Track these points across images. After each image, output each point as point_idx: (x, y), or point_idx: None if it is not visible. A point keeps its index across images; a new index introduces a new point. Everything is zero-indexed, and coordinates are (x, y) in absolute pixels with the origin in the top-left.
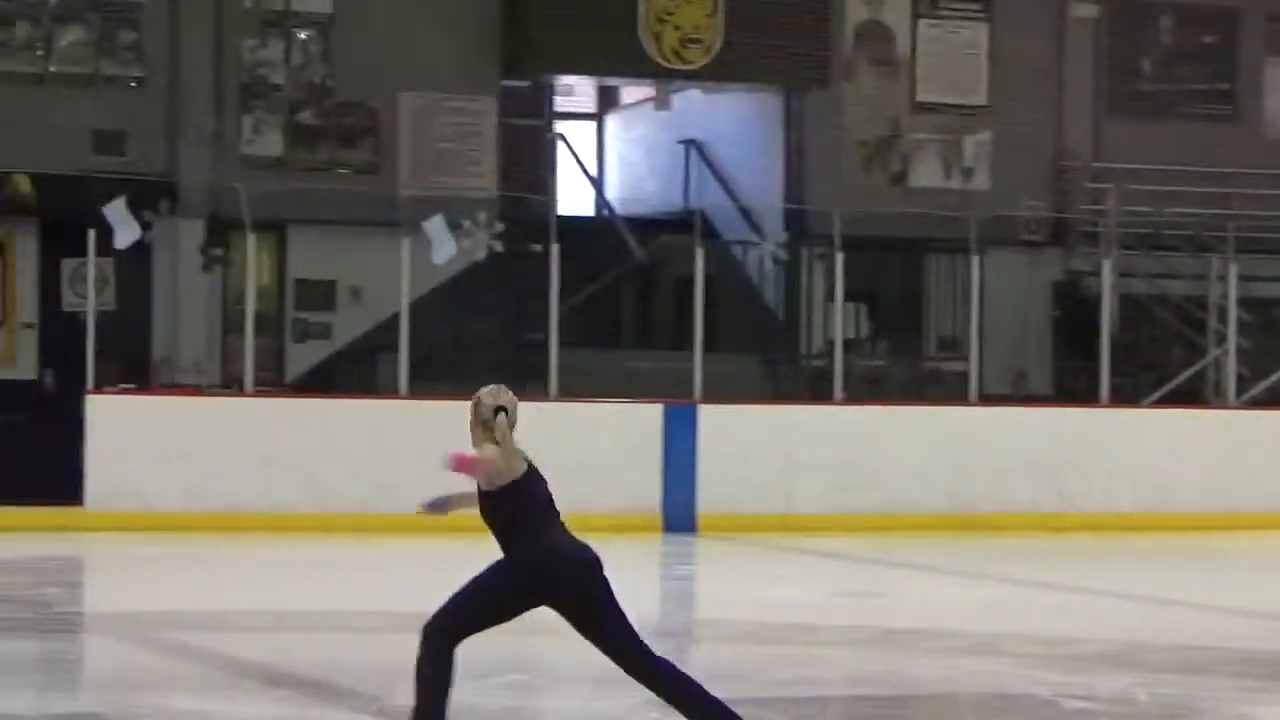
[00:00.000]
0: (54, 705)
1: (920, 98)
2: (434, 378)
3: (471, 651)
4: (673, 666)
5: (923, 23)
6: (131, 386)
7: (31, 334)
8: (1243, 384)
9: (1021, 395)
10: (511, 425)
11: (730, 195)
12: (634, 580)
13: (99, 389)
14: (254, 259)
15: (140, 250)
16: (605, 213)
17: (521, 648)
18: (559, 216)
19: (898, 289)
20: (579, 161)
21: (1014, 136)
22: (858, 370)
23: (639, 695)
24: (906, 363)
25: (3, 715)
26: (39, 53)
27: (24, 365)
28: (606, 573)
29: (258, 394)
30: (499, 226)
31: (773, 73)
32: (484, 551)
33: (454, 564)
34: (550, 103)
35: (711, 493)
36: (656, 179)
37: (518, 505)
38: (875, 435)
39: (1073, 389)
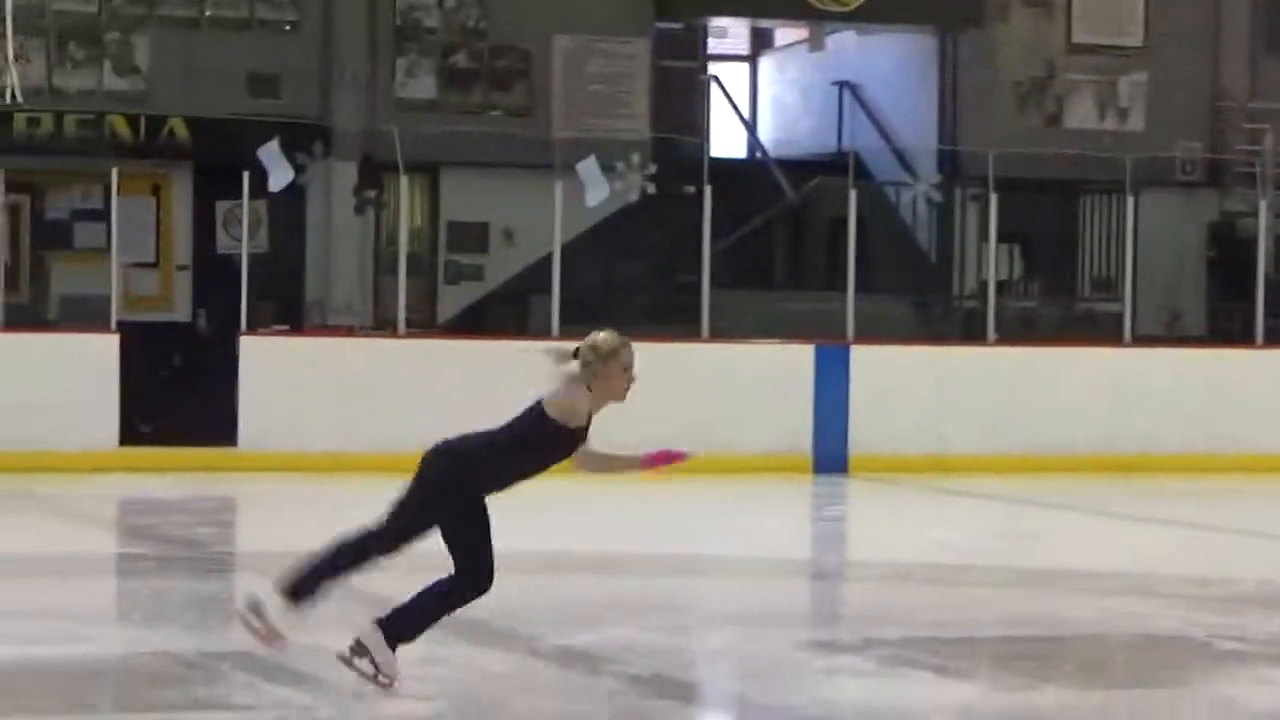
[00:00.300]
0: (207, 644)
1: (1075, 38)
2: (586, 319)
3: (625, 591)
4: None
5: None
6: (284, 328)
7: (186, 276)
8: None
9: (1175, 336)
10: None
11: (884, 136)
12: (785, 521)
13: (252, 330)
14: (407, 201)
15: (294, 193)
16: (758, 154)
17: (673, 588)
18: (712, 158)
19: (1051, 230)
20: (732, 103)
21: (1170, 77)
22: (1011, 311)
23: (790, 635)
24: (1060, 304)
25: (157, 653)
26: None
27: (179, 307)
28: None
29: (410, 335)
30: (652, 168)
31: (927, 14)
32: (626, 491)
33: (602, 504)
34: (703, 45)
35: (863, 433)
36: (810, 120)
37: None
38: (1028, 376)
39: (1227, 330)
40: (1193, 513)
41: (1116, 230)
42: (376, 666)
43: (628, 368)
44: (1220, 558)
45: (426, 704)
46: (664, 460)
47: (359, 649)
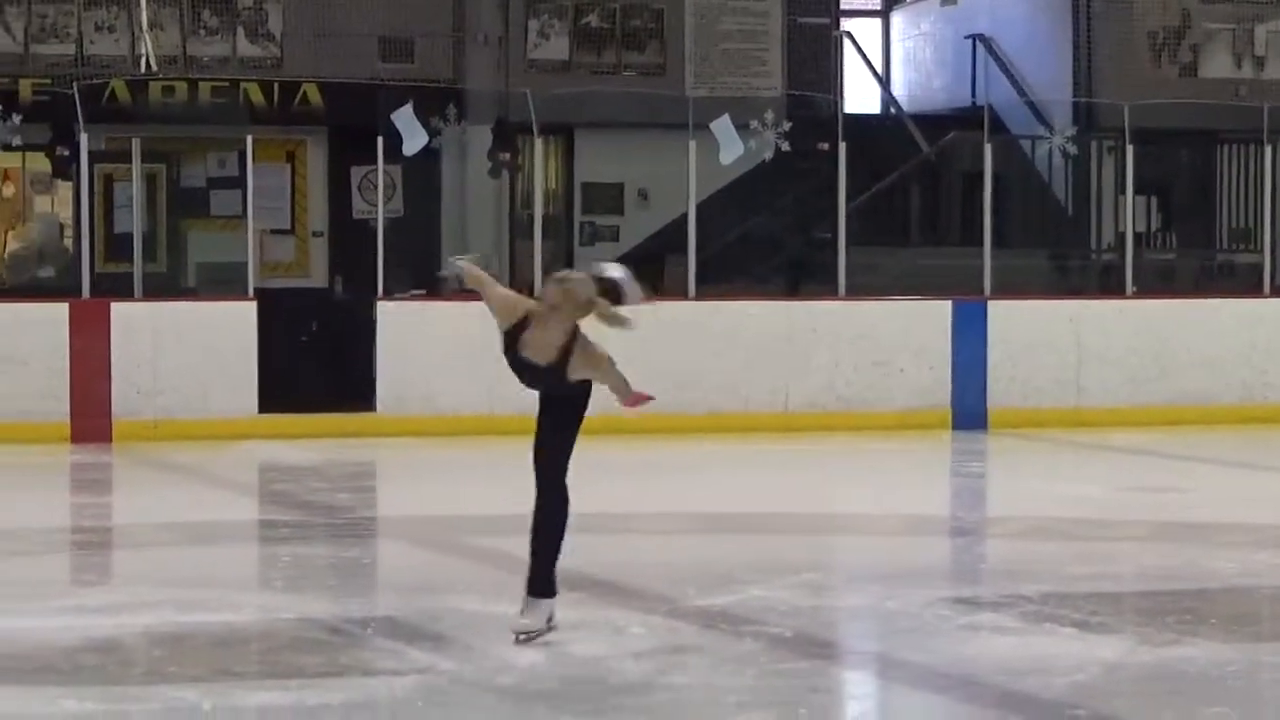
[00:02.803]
0: (349, 610)
1: None
2: (722, 278)
3: (766, 551)
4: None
5: None
6: (421, 292)
7: (322, 242)
8: None
9: None
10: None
11: (1018, 89)
12: (925, 477)
13: (389, 295)
14: (541, 163)
15: (428, 156)
16: (892, 110)
17: (813, 547)
18: (846, 114)
19: (1189, 181)
20: (865, 59)
21: None
22: (1148, 263)
23: (931, 592)
24: (1198, 255)
25: (300, 619)
26: None
27: (315, 273)
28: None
29: None
30: (786, 126)
31: None
32: (767, 451)
33: (743, 464)
34: (836, 0)
35: (1001, 389)
36: (943, 75)
37: None
38: (1167, 328)
39: None
40: None
41: (1254, 180)
42: (551, 624)
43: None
44: None
45: (568, 665)
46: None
47: (532, 615)
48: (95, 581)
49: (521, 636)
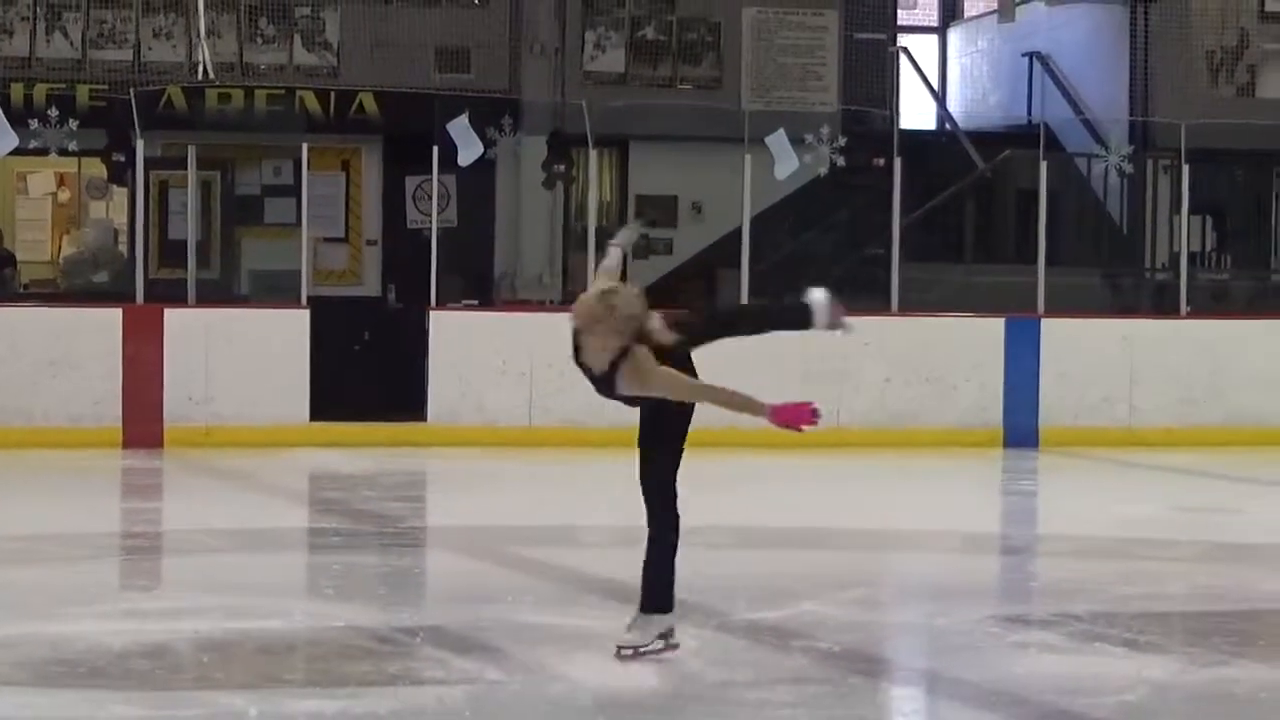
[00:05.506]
0: (398, 619)
1: (1269, 7)
2: (774, 292)
3: (817, 566)
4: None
5: None
6: (474, 303)
7: (376, 251)
8: None
9: None
10: None
11: (1074, 108)
12: (976, 495)
13: (442, 305)
14: (596, 175)
15: (483, 167)
16: (948, 126)
17: (864, 562)
18: (901, 130)
19: (1244, 201)
20: (922, 75)
21: None
22: (1203, 284)
23: (981, 610)
24: (1252, 276)
25: (348, 627)
26: None
27: (369, 282)
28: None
29: None
30: (841, 141)
31: None
32: (819, 466)
33: (794, 478)
34: (893, 16)
35: (1054, 407)
36: (1000, 92)
37: None
38: (1221, 348)
39: None
40: None
41: None
42: (664, 638)
43: None
44: None
45: (615, 677)
46: (795, 418)
47: (636, 630)
48: (145, 587)
49: (624, 651)
